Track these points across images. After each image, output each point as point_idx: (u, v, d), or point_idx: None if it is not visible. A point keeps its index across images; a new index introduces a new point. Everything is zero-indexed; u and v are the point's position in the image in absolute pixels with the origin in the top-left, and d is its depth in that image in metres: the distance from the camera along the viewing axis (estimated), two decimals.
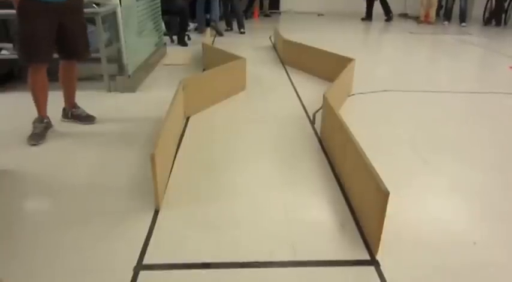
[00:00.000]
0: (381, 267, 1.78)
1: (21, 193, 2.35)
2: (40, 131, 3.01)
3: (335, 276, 1.74)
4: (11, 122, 3.33)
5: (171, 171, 2.57)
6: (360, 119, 3.40)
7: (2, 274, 1.73)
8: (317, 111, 3.57)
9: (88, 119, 3.39)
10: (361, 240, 1.95)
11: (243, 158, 2.78)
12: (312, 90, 4.17)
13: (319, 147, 2.92)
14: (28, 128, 3.02)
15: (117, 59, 4.60)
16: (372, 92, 4.21)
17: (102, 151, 2.85)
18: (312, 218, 2.13)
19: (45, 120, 3.08)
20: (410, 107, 3.85)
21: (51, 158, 2.75)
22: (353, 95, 4.08)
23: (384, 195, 1.75)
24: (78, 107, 3.38)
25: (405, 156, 2.81)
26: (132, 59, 4.28)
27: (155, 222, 2.07)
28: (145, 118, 3.44)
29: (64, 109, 3.36)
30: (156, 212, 2.14)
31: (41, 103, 3.05)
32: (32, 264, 1.80)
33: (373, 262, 1.82)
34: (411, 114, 3.65)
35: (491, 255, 1.88)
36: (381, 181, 1.81)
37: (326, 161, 2.70)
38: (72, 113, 3.35)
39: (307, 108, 3.71)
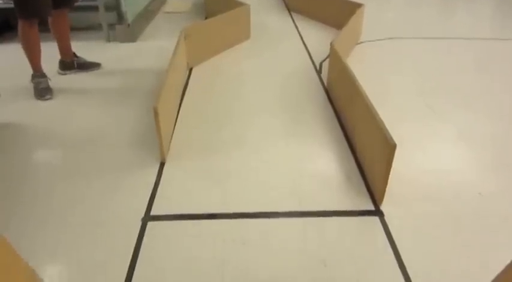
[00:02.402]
0: (385, 217, 1.87)
1: (26, 147, 2.43)
2: (46, 85, 3.03)
3: (340, 226, 1.83)
4: (11, 76, 3.36)
5: (175, 123, 2.63)
6: (368, 68, 3.40)
7: (12, 227, 1.83)
8: (324, 60, 3.57)
9: (92, 66, 3.41)
10: (366, 191, 2.03)
11: (247, 109, 2.82)
12: (319, 38, 4.15)
13: (326, 97, 2.96)
14: (26, 81, 3.06)
15: (115, 7, 4.55)
16: (381, 39, 4.17)
17: (104, 104, 2.90)
18: (317, 169, 2.20)
19: (45, 75, 3.10)
20: (420, 55, 3.83)
21: (53, 112, 2.81)
22: (362, 42, 4.06)
23: (391, 147, 1.79)
24: (78, 56, 3.41)
25: (413, 106, 2.84)
26: (131, 6, 4.24)
27: (161, 174, 2.15)
28: (147, 69, 3.46)
29: (61, 62, 3.38)
30: (162, 165, 2.22)
31: (38, 58, 3.04)
32: (41, 216, 1.90)
33: (377, 212, 1.90)
34: (421, 62, 3.64)
35: (495, 206, 1.95)
36: (388, 133, 1.85)
37: (332, 112, 2.75)
38: (78, 62, 3.37)
39: (313, 57, 3.71)
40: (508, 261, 1.04)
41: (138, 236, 1.77)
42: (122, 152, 2.35)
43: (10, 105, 2.90)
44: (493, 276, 1.17)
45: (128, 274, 1.61)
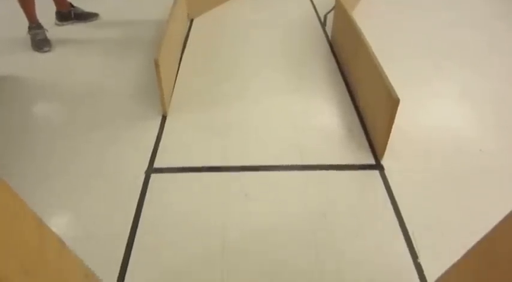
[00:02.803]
0: (385, 172, 1.89)
1: (25, 100, 2.43)
2: (44, 37, 2.99)
3: (340, 180, 1.86)
4: (8, 28, 3.30)
5: (176, 76, 2.62)
6: (374, 22, 3.33)
7: (13, 180, 1.86)
8: (328, 12, 3.50)
9: (90, 16, 3.35)
10: (367, 146, 2.05)
11: (249, 62, 2.80)
12: None
13: (329, 50, 2.92)
14: (24, 33, 3.02)
15: None
16: None
17: (104, 56, 2.87)
18: (319, 123, 2.21)
19: (42, 26, 3.04)
20: (428, 9, 3.74)
21: (52, 64, 2.79)
22: None
23: (394, 102, 1.79)
24: (75, 7, 3.34)
25: (418, 63, 2.80)
26: None
27: (163, 127, 2.16)
28: (146, 20, 3.39)
29: (58, 12, 3.30)
30: (164, 118, 2.23)
31: (32, 8, 2.96)
32: (43, 170, 1.93)
33: (378, 166, 1.93)
34: (429, 17, 3.56)
35: (495, 162, 1.98)
36: (392, 88, 1.84)
37: (336, 66, 2.72)
38: (75, 13, 3.32)
39: (318, 9, 3.63)
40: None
41: (142, 188, 1.81)
42: (123, 104, 2.35)
43: (8, 58, 2.87)
44: (489, 228, 1.19)
45: (132, 225, 1.66)
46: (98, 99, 2.40)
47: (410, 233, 1.62)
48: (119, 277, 1.49)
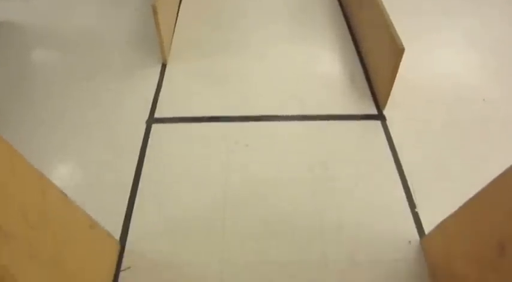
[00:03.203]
0: (387, 122, 1.88)
1: (23, 46, 2.37)
2: None
3: (341, 130, 1.85)
4: None
5: (175, 23, 2.53)
6: None
7: (12, 129, 1.85)
8: None
9: None
10: (370, 95, 2.01)
11: (251, 9, 2.68)
12: None
13: None
14: None
15: None
16: None
17: (101, 2, 2.76)
18: (321, 73, 2.16)
19: None
20: None
21: (50, 10, 2.68)
22: None
23: (399, 50, 1.73)
24: None
25: (425, 8, 2.70)
26: None
27: (163, 76, 2.12)
28: None
29: None
30: (164, 66, 2.18)
31: None
32: (43, 118, 1.91)
33: (379, 116, 1.91)
34: None
35: (498, 111, 1.95)
36: (397, 36, 1.78)
37: (340, 12, 2.62)
38: None
39: None
40: (507, 166, 1.06)
41: (143, 138, 1.80)
42: (121, 52, 2.29)
43: (4, 3, 2.76)
44: (489, 179, 1.19)
45: (135, 175, 1.66)
46: (96, 46, 2.33)
47: (409, 183, 1.63)
48: (123, 226, 1.51)
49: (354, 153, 1.75)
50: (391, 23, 1.87)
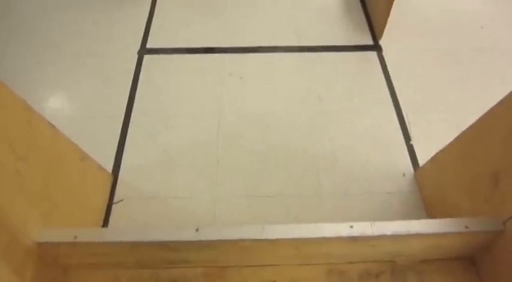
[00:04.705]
0: (383, 52, 1.73)
1: None
2: None
3: (337, 61, 1.70)
4: None
5: None
6: None
7: (7, 60, 1.72)
8: None
9: None
10: (366, 25, 1.84)
11: None
12: None
13: None
14: None
15: None
16: None
17: None
18: (317, 2, 1.97)
19: None
20: None
21: None
22: None
23: None
24: None
25: None
26: None
27: (155, 4, 1.93)
28: None
29: None
30: None
31: None
32: (36, 48, 1.75)
33: (375, 47, 1.75)
34: None
35: (496, 39, 1.80)
36: None
37: None
38: None
39: None
40: (503, 96, 0.98)
41: (135, 69, 1.66)
42: None
43: None
44: (485, 110, 1.11)
45: (127, 106, 1.55)
46: None
47: (404, 115, 1.53)
48: (116, 158, 1.42)
49: (348, 85, 1.63)
50: None
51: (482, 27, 1.86)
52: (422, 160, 1.39)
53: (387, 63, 1.70)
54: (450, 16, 1.90)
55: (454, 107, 1.56)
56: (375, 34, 1.81)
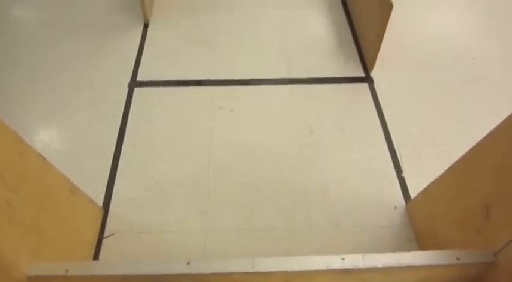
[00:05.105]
0: (374, 84, 1.78)
1: (6, 3, 2.20)
2: None
3: (328, 93, 1.75)
4: None
5: None
6: None
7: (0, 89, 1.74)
8: None
9: None
10: (357, 57, 1.90)
11: None
12: None
13: None
14: None
15: None
16: None
17: None
18: (308, 33, 2.03)
19: None
20: None
21: None
22: None
23: (387, 7, 1.62)
24: None
25: None
26: None
27: (145, 36, 1.98)
28: None
29: None
30: (146, 26, 2.03)
31: None
32: (26, 79, 1.78)
33: (367, 79, 1.80)
34: None
35: (487, 71, 1.86)
36: None
37: None
38: None
39: None
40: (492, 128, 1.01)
41: (126, 102, 1.69)
42: (103, 13, 2.12)
43: None
44: (476, 142, 1.14)
45: (118, 139, 1.57)
46: (76, 6, 2.17)
47: (396, 147, 1.56)
48: (106, 191, 1.43)
49: (340, 117, 1.66)
50: None
51: (473, 58, 1.92)
52: (414, 192, 1.41)
53: (378, 95, 1.74)
54: (441, 48, 1.97)
55: (446, 138, 1.59)
56: (366, 66, 1.86)
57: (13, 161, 0.97)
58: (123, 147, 1.54)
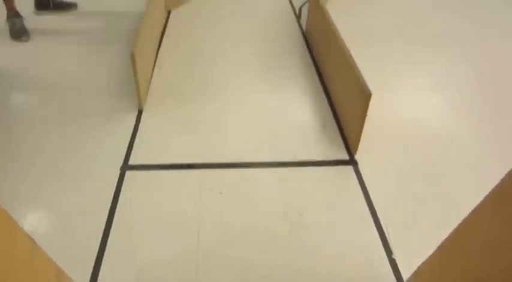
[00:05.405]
0: (359, 167, 1.85)
1: (2, 88, 2.31)
2: (22, 26, 2.84)
3: (314, 176, 1.81)
4: None
5: (153, 69, 2.53)
6: (349, 12, 3.25)
7: None
8: (303, 4, 3.42)
9: (69, 6, 3.23)
10: (341, 141, 1.99)
11: (226, 56, 2.70)
12: None
13: (304, 43, 2.85)
14: (2, 21, 2.87)
15: None
16: None
17: (83, 47, 2.74)
18: (294, 119, 2.14)
19: (20, 14, 2.91)
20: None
21: (31, 54, 2.65)
22: None
23: (366, 96, 1.74)
24: None
25: (391, 53, 2.75)
26: None
27: (139, 122, 2.07)
28: (125, 11, 3.26)
29: (37, 1, 3.14)
30: (140, 112, 2.14)
31: None
32: (18, 163, 1.83)
33: (351, 162, 1.88)
34: (403, 7, 3.51)
35: (467, 152, 1.95)
36: (364, 82, 1.79)
37: (310, 59, 2.65)
38: (54, 2, 3.19)
39: (293, 1, 3.56)
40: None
41: (117, 185, 1.73)
42: (100, 98, 2.25)
43: None
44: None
45: (106, 222, 1.59)
46: (76, 92, 2.28)
47: (384, 228, 1.59)
48: (92, 276, 1.42)
49: (327, 199, 1.71)
50: (358, 69, 1.88)
51: (452, 140, 2.02)
52: (405, 273, 1.43)
53: (364, 177, 1.80)
54: (421, 131, 2.09)
55: (433, 218, 1.64)
56: (350, 149, 1.94)
57: (3, 241, 0.98)
58: (111, 230, 1.56)
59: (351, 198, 1.71)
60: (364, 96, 1.76)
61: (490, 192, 0.97)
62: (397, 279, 1.43)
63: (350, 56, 2.00)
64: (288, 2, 3.53)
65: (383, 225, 1.60)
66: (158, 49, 2.74)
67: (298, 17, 3.26)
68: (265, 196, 1.71)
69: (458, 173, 1.84)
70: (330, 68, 2.36)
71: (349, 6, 3.48)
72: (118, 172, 1.79)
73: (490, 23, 3.28)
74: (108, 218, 1.60)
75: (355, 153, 1.91)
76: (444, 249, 1.16)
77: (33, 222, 1.61)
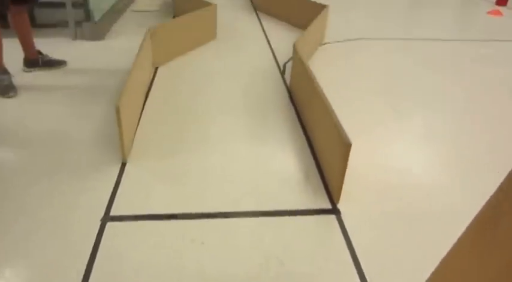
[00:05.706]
0: (342, 216, 1.87)
1: None
2: (9, 82, 2.90)
3: (297, 225, 1.82)
4: None
5: (138, 123, 2.58)
6: (331, 68, 3.41)
7: None
8: (287, 61, 3.56)
9: (58, 63, 3.32)
10: (323, 190, 2.02)
11: (211, 109, 2.78)
12: (284, 39, 4.12)
13: (288, 98, 2.94)
14: None
15: (82, 4, 4.43)
16: (346, 40, 4.19)
17: (69, 103, 2.80)
18: (277, 169, 2.18)
19: (8, 71, 2.99)
20: (384, 55, 3.87)
21: (17, 110, 2.70)
22: (326, 43, 4.07)
23: (346, 146, 1.80)
24: (43, 54, 3.30)
25: (373, 106, 2.86)
26: (98, 3, 4.13)
27: (122, 174, 2.09)
28: (113, 68, 3.37)
29: (25, 59, 3.23)
30: (123, 165, 2.16)
31: (0, 54, 2.89)
32: (1, 213, 1.83)
33: (334, 211, 1.90)
34: (385, 63, 3.67)
35: (447, 202, 1.98)
36: (344, 133, 1.85)
37: (294, 113, 2.73)
38: (43, 60, 3.28)
39: (278, 58, 3.69)
40: None
41: (97, 236, 1.72)
42: (84, 151, 2.27)
43: None
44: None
45: (84, 275, 1.56)
46: (60, 146, 2.31)
47: (367, 279, 1.58)
48: None
49: (310, 248, 1.71)
50: (338, 122, 1.95)
51: (433, 188, 2.08)
52: None
53: (346, 226, 1.82)
54: (402, 181, 2.13)
55: (416, 266, 1.63)
56: (333, 198, 1.96)
57: None
58: (89, 281, 1.53)
59: (334, 247, 1.72)
60: (344, 146, 1.81)
61: (462, 234, 0.99)
62: None
63: (331, 109, 2.08)
64: (273, 58, 3.67)
65: (366, 275, 1.59)
66: (144, 104, 2.80)
67: (282, 73, 3.38)
68: (248, 246, 1.70)
69: (440, 221, 1.86)
70: (312, 120, 2.43)
71: (332, 63, 3.63)
72: (99, 223, 1.78)
73: (470, 80, 3.43)
74: (86, 270, 1.58)
75: (338, 202, 1.93)
76: None
77: (8, 276, 1.58)
